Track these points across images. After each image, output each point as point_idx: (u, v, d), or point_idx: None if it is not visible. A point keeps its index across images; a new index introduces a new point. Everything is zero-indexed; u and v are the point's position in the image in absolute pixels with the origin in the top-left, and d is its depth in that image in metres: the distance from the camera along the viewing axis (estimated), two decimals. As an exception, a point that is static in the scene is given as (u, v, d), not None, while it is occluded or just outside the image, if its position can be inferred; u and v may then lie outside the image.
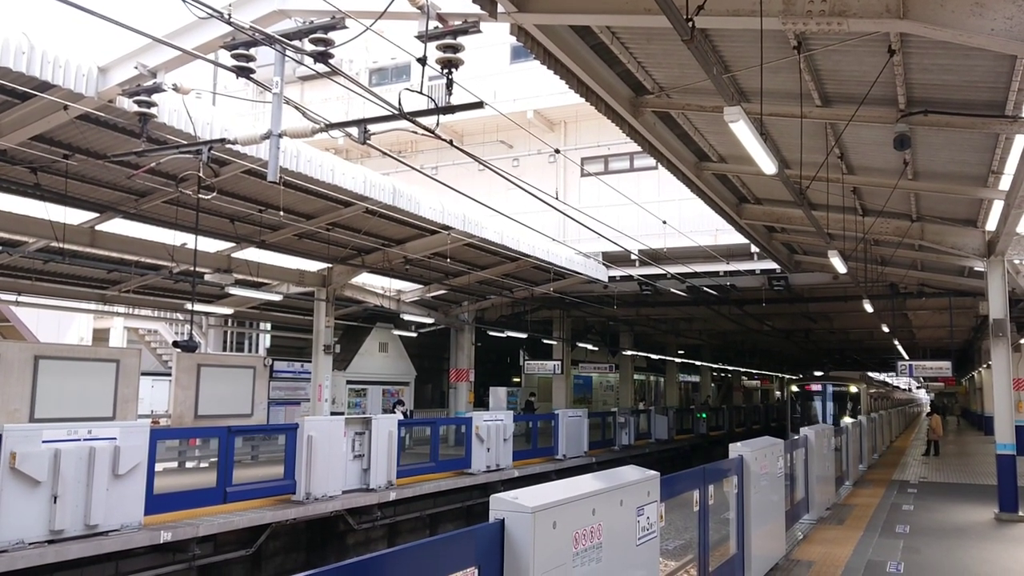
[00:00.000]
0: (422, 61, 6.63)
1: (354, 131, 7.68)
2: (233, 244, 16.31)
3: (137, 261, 16.33)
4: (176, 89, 8.75)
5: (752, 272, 20.89)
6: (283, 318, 25.10)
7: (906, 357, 32.92)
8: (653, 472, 5.11)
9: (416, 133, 8.00)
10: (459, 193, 11.26)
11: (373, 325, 25.00)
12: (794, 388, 29.31)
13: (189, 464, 16.08)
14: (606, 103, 9.41)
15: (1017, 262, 15.75)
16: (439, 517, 15.60)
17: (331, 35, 7.07)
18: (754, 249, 19.25)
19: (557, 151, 18.26)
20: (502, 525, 3.56)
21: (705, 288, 22.06)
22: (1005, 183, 10.42)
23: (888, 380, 61.60)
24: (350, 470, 12.80)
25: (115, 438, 9.03)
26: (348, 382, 23.44)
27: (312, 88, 28.45)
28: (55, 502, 8.43)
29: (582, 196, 23.25)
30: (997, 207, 11.59)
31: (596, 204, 21.31)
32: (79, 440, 8.71)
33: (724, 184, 13.93)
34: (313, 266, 18.95)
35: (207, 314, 23.27)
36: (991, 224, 12.49)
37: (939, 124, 8.80)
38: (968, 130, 8.94)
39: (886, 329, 24.84)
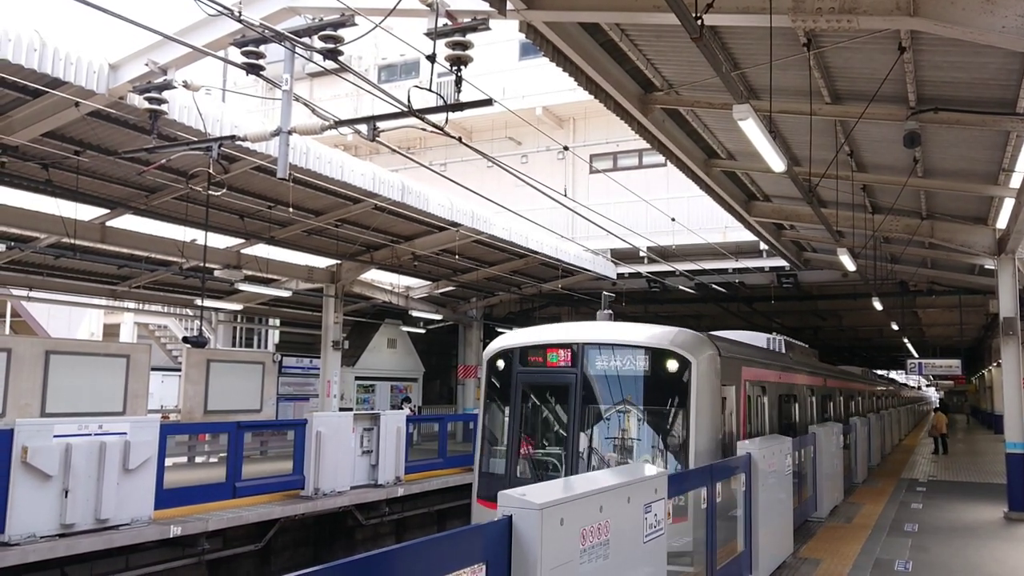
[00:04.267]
0: (431, 58, 6.64)
1: (363, 128, 7.70)
2: (242, 240, 16.38)
3: (147, 257, 16.42)
4: (186, 86, 8.79)
5: (761, 269, 20.85)
6: (292, 314, 25.18)
7: (916, 355, 32.92)
8: (660, 469, 5.13)
9: (425, 130, 8.00)
10: (468, 190, 11.29)
11: (382, 321, 25.05)
12: (497, 360, 9.48)
13: (198, 459, 16.16)
14: (615, 100, 9.40)
15: (1028, 260, 15.65)
16: (447, 513, 15.63)
17: (340, 32, 7.10)
18: (763, 246, 19.20)
19: (566, 148, 18.24)
20: (510, 522, 3.57)
21: (714, 285, 22.02)
22: (1016, 181, 10.37)
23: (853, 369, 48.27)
24: (358, 466, 12.85)
25: (125, 433, 9.09)
26: (356, 378, 23.52)
27: (321, 85, 28.51)
28: (66, 496, 8.49)
29: (591, 193, 23.22)
30: (1008, 205, 11.53)
31: (605, 201, 21.28)
32: (90, 435, 8.78)
33: (733, 181, 13.89)
34: (322, 262, 19.01)
35: (217, 310, 23.36)
36: (1001, 222, 12.43)
37: (949, 122, 8.76)
38: (978, 128, 8.89)
39: (895, 327, 24.74)
